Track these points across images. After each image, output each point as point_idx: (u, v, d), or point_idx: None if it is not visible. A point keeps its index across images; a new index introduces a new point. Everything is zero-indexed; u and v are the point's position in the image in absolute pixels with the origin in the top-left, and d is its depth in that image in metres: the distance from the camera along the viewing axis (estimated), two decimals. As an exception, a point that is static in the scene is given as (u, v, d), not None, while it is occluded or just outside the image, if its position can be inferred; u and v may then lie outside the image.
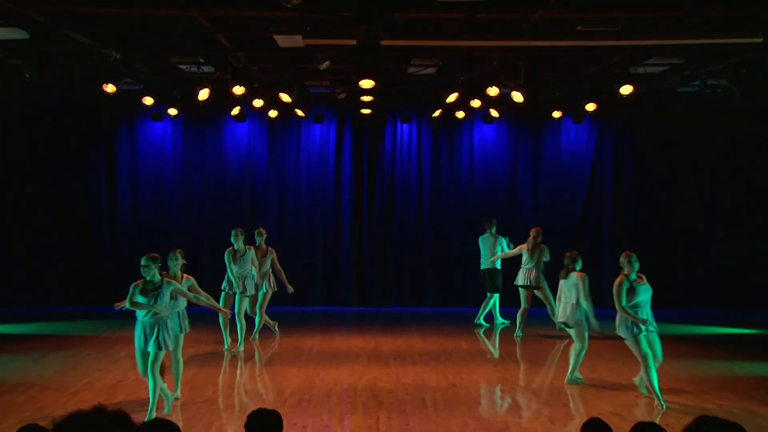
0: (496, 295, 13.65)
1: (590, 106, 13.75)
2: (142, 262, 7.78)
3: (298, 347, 11.65)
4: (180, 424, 3.51)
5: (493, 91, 11.51)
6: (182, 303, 8.60)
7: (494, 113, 14.71)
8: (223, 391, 9.45)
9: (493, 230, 13.55)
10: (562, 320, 9.66)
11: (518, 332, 12.68)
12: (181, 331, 8.60)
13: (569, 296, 9.49)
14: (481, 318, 13.71)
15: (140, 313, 7.83)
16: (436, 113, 14.85)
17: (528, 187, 15.90)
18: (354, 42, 8.54)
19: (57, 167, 15.35)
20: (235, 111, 14.37)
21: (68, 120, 15.26)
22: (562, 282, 9.65)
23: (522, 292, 12.75)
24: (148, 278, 7.78)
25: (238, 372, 10.34)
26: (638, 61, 11.51)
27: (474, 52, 10.89)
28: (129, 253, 15.45)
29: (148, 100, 12.89)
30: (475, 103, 13.10)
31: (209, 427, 7.69)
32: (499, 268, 13.48)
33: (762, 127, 15.27)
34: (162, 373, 8.12)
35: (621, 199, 15.84)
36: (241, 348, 11.35)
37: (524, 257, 12.73)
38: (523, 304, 12.74)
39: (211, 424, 7.84)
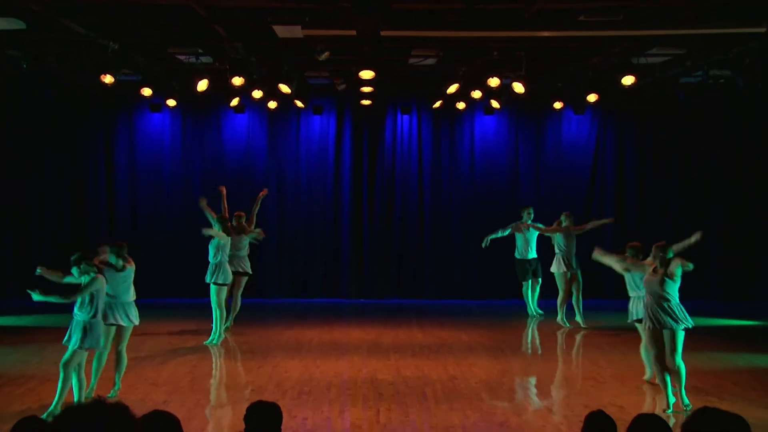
0: (525, 284, 13.48)
1: (592, 97, 13.68)
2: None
3: (298, 339, 11.62)
4: (179, 416, 3.47)
5: (493, 81, 11.45)
6: (124, 296, 8.38)
7: (495, 104, 14.64)
8: (222, 383, 9.42)
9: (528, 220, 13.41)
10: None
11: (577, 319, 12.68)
12: (119, 322, 8.33)
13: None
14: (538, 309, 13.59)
15: (79, 314, 7.70)
16: (437, 104, 14.78)
17: (529, 179, 15.84)
18: (354, 32, 8.49)
19: (54, 159, 15.28)
20: (234, 102, 14.29)
21: (66, 111, 15.17)
22: (631, 276, 8.97)
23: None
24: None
25: (238, 364, 10.30)
26: (640, 52, 11.44)
27: (475, 42, 10.82)
28: (127, 245, 15.39)
29: (147, 91, 12.82)
30: (476, 94, 13.04)
31: (209, 419, 7.66)
32: (524, 257, 13.37)
33: (765, 117, 15.20)
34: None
35: (622, 190, 15.79)
36: (216, 338, 11.20)
37: None
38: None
39: (210, 416, 7.81)
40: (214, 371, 9.90)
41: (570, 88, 14.04)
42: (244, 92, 13.08)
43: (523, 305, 13.65)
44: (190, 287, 14.51)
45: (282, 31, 8.90)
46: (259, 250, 15.10)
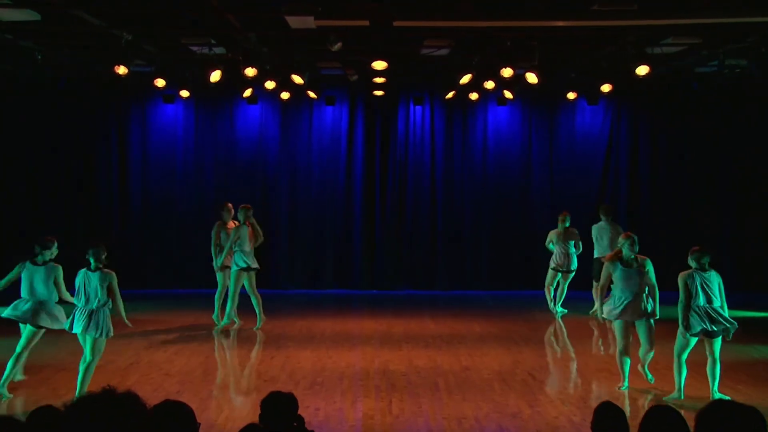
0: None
1: (605, 87, 13.58)
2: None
3: (311, 330, 11.65)
4: (192, 406, 3.48)
5: (506, 72, 11.36)
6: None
7: (508, 95, 14.57)
8: (236, 373, 9.46)
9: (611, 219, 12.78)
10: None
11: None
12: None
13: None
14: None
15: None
16: (450, 95, 14.72)
17: (542, 170, 15.77)
18: (366, 23, 8.47)
19: (67, 150, 15.33)
20: (247, 93, 14.30)
21: (79, 102, 15.22)
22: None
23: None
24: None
25: (251, 354, 10.34)
26: (655, 41, 11.34)
27: (487, 32, 10.75)
28: (140, 236, 15.48)
29: (160, 82, 12.83)
30: (489, 85, 12.95)
31: (222, 409, 7.69)
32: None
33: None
34: None
35: (636, 181, 15.69)
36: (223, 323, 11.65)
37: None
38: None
39: (224, 406, 7.85)
40: (226, 361, 9.94)
41: (583, 78, 13.95)
42: (256, 83, 13.09)
43: (534, 295, 13.67)
44: (202, 278, 14.54)
45: (295, 21, 8.88)
46: (271, 241, 15.16)
